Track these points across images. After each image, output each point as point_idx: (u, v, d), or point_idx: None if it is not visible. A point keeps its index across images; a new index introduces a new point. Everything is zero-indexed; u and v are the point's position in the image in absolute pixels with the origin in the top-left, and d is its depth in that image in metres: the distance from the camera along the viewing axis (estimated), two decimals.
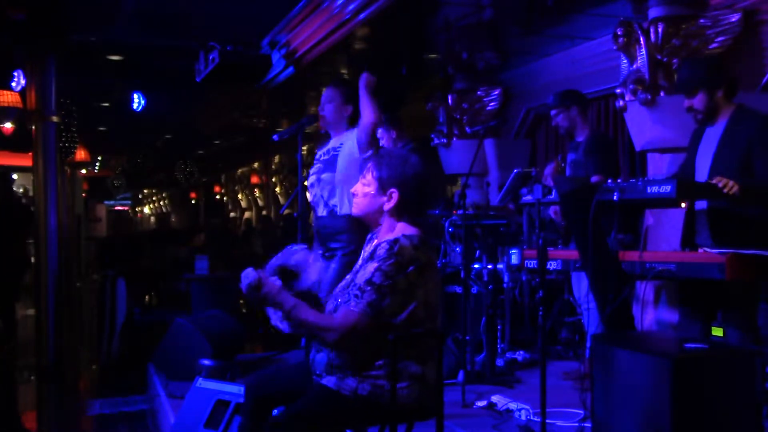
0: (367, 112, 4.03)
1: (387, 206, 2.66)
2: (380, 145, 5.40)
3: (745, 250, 2.99)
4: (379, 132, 5.26)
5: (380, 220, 2.70)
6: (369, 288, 2.48)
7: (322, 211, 4.17)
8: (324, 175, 4.18)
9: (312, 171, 4.33)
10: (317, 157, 4.33)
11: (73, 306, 11.07)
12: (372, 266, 2.51)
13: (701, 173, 3.49)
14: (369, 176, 2.70)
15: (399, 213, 2.66)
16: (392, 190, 2.64)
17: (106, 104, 11.57)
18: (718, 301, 3.40)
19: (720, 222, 3.38)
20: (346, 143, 4.16)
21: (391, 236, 2.60)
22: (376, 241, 2.68)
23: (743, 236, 3.24)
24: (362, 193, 2.72)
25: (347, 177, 4.01)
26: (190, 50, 7.41)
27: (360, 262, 2.72)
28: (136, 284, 9.14)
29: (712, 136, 3.51)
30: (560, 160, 4.76)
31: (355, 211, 2.77)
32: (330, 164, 4.19)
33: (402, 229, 2.63)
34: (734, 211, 3.33)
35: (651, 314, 4.49)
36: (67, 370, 6.99)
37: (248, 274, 2.54)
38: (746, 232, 3.31)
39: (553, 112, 4.89)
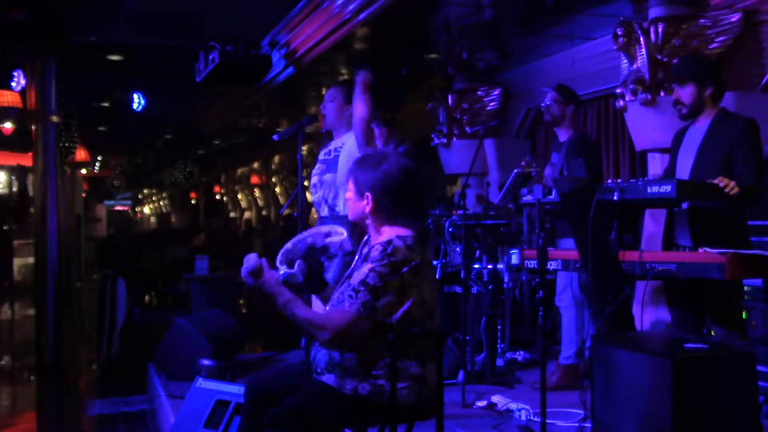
0: (360, 108, 4.02)
1: (366, 210, 2.66)
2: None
3: (725, 249, 3.01)
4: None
5: (367, 223, 2.70)
6: (363, 289, 2.48)
7: (324, 212, 4.18)
8: (326, 176, 4.19)
9: (314, 172, 4.33)
10: (319, 157, 4.34)
11: (73, 306, 11.08)
12: (366, 267, 2.52)
13: (682, 174, 3.50)
14: (350, 180, 2.71)
15: (380, 216, 2.65)
16: (367, 193, 2.64)
17: (106, 104, 11.56)
18: (706, 299, 3.42)
19: (700, 222, 3.39)
20: (347, 143, 4.16)
21: (384, 238, 2.59)
22: (369, 245, 2.68)
23: (723, 236, 3.26)
24: (348, 198, 2.74)
25: (347, 178, 4.01)
26: (190, 50, 7.41)
27: (355, 263, 2.72)
28: (136, 284, 9.13)
29: (694, 137, 3.52)
30: (530, 161, 4.66)
31: (349, 216, 2.78)
32: (332, 164, 4.20)
33: (395, 230, 2.62)
34: (715, 211, 3.34)
35: (651, 314, 4.49)
36: (67, 370, 6.99)
37: (250, 259, 2.55)
38: (726, 232, 3.33)
39: (550, 95, 4.74)
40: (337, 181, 4.11)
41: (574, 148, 4.58)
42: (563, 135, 4.75)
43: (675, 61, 3.64)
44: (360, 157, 2.77)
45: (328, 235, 2.80)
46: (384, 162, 2.65)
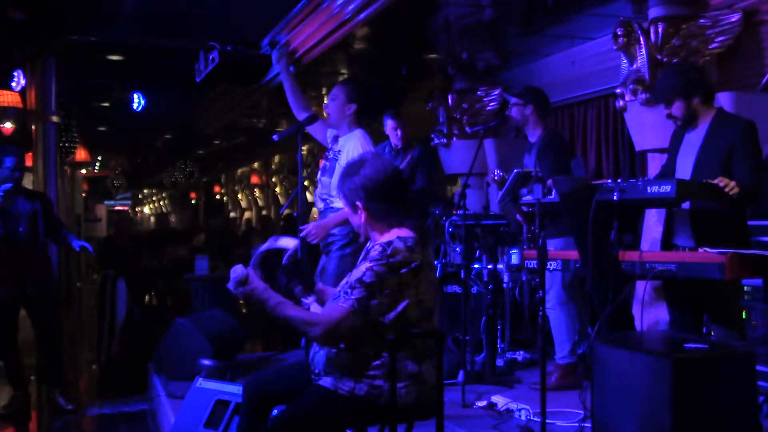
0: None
1: (362, 219, 2.67)
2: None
3: (725, 249, 3.01)
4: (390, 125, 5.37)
5: (370, 233, 2.71)
6: (359, 286, 2.49)
7: (321, 206, 4.30)
8: (324, 179, 4.29)
9: (321, 166, 4.42)
10: (327, 154, 4.43)
11: (73, 306, 11.07)
12: (365, 266, 2.53)
13: (683, 176, 3.50)
14: (340, 197, 2.73)
15: (376, 221, 2.65)
16: (357, 203, 2.65)
17: (106, 104, 11.57)
18: (705, 299, 3.42)
19: (700, 222, 3.39)
20: (345, 151, 4.21)
21: (385, 239, 2.60)
22: (373, 243, 2.68)
23: (723, 236, 3.26)
24: (347, 214, 2.75)
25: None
26: (190, 50, 7.40)
27: (357, 266, 2.72)
28: (136, 284, 9.12)
29: (694, 139, 3.52)
30: (503, 174, 4.61)
31: (355, 229, 2.79)
32: (331, 168, 4.28)
33: (396, 232, 2.62)
34: (715, 212, 3.34)
35: (651, 314, 4.49)
36: (67, 370, 6.98)
37: (236, 270, 2.56)
38: (726, 232, 3.33)
39: (512, 101, 4.82)
40: (332, 184, 4.19)
41: (543, 148, 4.60)
42: (532, 136, 4.79)
43: (659, 78, 3.59)
44: (342, 170, 2.77)
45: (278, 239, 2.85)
46: (362, 167, 2.65)
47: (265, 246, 2.83)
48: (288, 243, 2.84)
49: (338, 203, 4.20)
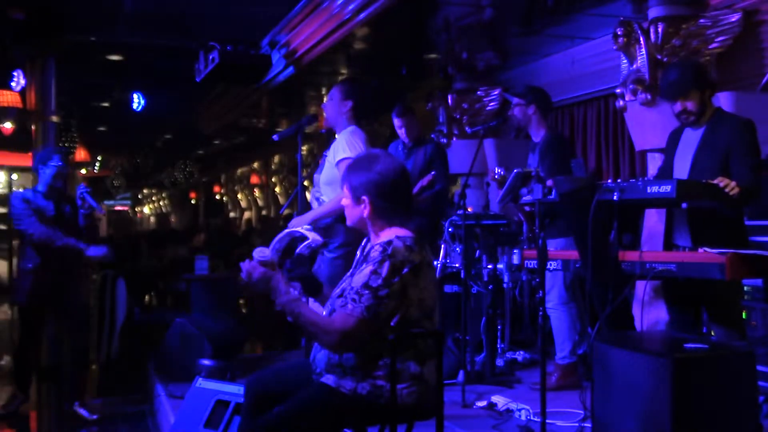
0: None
1: (365, 214, 2.65)
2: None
3: (725, 249, 3.01)
4: (396, 124, 5.34)
5: (368, 228, 2.69)
6: (366, 292, 2.47)
7: (315, 207, 4.30)
8: (317, 175, 4.30)
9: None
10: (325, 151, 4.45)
11: None
12: (367, 269, 2.50)
13: (680, 175, 3.49)
14: (345, 187, 2.70)
15: (378, 218, 2.64)
16: (363, 197, 2.63)
17: (106, 104, 11.58)
18: (705, 299, 3.42)
19: (699, 222, 3.39)
20: (333, 146, 4.21)
21: (383, 239, 2.59)
22: (369, 245, 2.67)
23: (721, 236, 3.26)
24: (346, 205, 2.73)
25: (328, 179, 4.12)
26: (190, 50, 7.41)
27: (356, 262, 2.72)
28: (136, 284, 9.12)
29: (692, 138, 3.51)
30: (503, 172, 4.60)
31: (348, 222, 2.76)
32: (321, 164, 4.30)
33: (394, 231, 2.61)
34: (713, 211, 3.34)
35: (651, 314, 4.49)
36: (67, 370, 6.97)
37: (263, 251, 2.54)
38: (724, 232, 3.33)
39: (514, 101, 4.83)
40: (321, 180, 4.18)
41: (545, 149, 4.60)
42: (536, 136, 4.79)
43: (668, 74, 3.56)
44: (351, 162, 2.75)
45: (290, 245, 2.80)
46: (376, 163, 2.63)
47: (281, 242, 2.77)
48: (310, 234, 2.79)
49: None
